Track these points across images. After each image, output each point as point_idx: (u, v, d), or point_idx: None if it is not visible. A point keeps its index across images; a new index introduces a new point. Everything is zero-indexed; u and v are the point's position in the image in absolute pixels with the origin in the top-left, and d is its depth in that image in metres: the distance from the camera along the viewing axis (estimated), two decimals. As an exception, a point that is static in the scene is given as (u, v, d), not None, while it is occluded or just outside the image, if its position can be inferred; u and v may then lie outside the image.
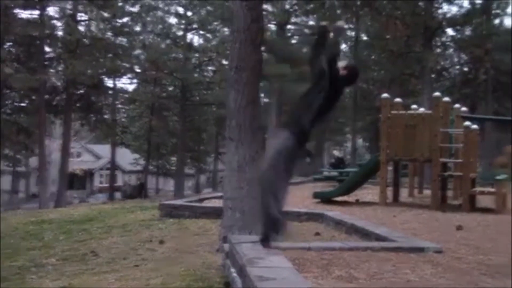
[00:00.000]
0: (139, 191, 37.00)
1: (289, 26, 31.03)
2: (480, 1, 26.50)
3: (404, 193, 12.81)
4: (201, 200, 12.22)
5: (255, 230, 6.25)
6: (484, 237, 6.70)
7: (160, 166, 40.75)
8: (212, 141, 41.10)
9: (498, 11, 29.26)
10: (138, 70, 35.22)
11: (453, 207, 10.78)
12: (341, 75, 4.57)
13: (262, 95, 32.28)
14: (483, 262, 5.01)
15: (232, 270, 4.72)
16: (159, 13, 33.77)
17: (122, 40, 33.16)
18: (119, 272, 6.13)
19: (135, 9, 31.83)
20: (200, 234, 7.99)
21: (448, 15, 26.17)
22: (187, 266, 5.81)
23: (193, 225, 8.87)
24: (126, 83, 41.03)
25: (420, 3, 24.89)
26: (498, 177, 10.62)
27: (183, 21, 34.26)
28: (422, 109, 13.26)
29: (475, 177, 11.45)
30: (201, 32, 35.41)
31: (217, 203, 10.09)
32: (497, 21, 29.77)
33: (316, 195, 12.33)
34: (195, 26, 34.63)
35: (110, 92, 35.45)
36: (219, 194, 11.42)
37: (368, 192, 13.55)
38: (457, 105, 13.30)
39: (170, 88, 36.77)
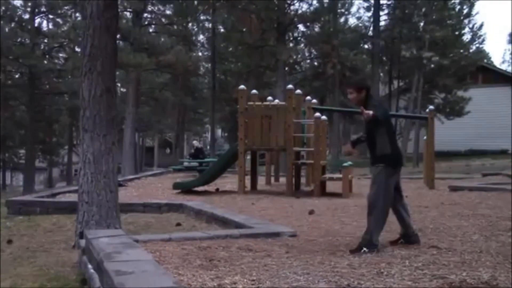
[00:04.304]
0: (-19, 188, 33.80)
1: (145, 14, 30.36)
2: (327, 0, 28.31)
3: (261, 181, 13.32)
4: (54, 195, 11.50)
5: (113, 223, 6.07)
6: (333, 220, 7.22)
7: (7, 160, 37.57)
8: (66, 132, 38.89)
9: (343, 10, 31.54)
10: (-22, 55, 31.96)
11: (306, 193, 11.45)
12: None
13: (119, 84, 31.32)
14: (332, 242, 5.41)
15: (89, 266, 4.53)
16: (1, -7, 30.96)
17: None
18: (-42, 278, 5.56)
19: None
20: (54, 231, 7.53)
21: (299, 12, 27.59)
22: (40, 265, 5.45)
23: (45, 222, 8.32)
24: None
25: (274, -1, 25.88)
26: (344, 164, 11.48)
27: (29, 4, 31.78)
28: (276, 101, 13.84)
29: (325, 164, 12.27)
30: (51, 16, 33.19)
31: (72, 197, 9.59)
32: (342, 19, 32.10)
33: (176, 186, 12.30)
34: (43, 9, 32.34)
35: None
36: (74, 188, 10.86)
37: (228, 181, 13.86)
38: (308, 97, 14.08)
39: (17, 76, 34.00)
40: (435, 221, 6.70)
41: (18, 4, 32.05)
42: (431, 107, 14.13)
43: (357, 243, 5.03)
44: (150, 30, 31.25)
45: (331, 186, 11.79)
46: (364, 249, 4.81)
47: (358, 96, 5.13)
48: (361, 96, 5.13)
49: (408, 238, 5.20)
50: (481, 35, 30.74)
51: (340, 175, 11.40)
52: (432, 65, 28.04)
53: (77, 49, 28.74)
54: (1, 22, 30.49)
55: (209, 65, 33.96)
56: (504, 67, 42.01)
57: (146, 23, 30.54)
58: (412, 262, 4.33)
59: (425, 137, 13.48)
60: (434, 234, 5.74)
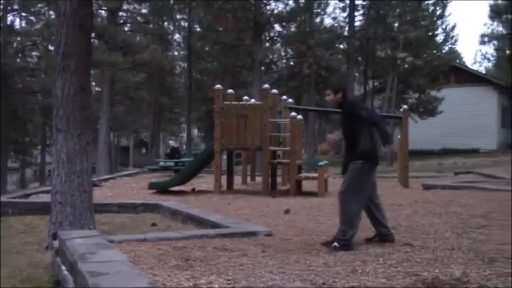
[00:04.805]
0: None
1: (121, 13, 30.06)
2: (303, 0, 28.44)
3: (238, 181, 13.32)
4: (27, 196, 11.32)
5: (87, 224, 6.01)
6: (308, 219, 7.27)
7: (-24, 161, 36.74)
8: (39, 132, 38.24)
9: (319, 10, 31.73)
10: None
11: (282, 192, 11.50)
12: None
13: (93, 83, 30.95)
14: (308, 241, 5.44)
15: (63, 267, 4.48)
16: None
17: None
18: None
19: None
20: (27, 232, 7.41)
21: (276, 12, 27.65)
22: (12, 267, 5.36)
23: (18, 223, 8.18)
24: None
25: (250, -2, 25.89)
26: (320, 163, 11.55)
27: (1, 1, 31.14)
28: (253, 100, 13.86)
29: (301, 163, 12.33)
30: (23, 14, 32.59)
31: (46, 198, 9.44)
32: (318, 19, 32.29)
33: (151, 186, 12.22)
34: (16, 7, 31.74)
35: None
36: (48, 188, 10.69)
37: (204, 181, 13.82)
38: (284, 97, 14.14)
39: (-12, 75, 33.26)
40: (408, 219, 6.80)
41: (-11, 2, 31.44)
42: (405, 106, 14.33)
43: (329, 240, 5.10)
44: (126, 29, 30.97)
45: (307, 185, 11.86)
46: (335, 244, 4.86)
47: (335, 98, 5.29)
48: (338, 98, 5.28)
49: (382, 237, 5.27)
50: (453, 36, 31.21)
51: (316, 174, 11.47)
52: (406, 65, 28.39)
53: (51, 48, 28.30)
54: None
55: (185, 64, 33.79)
56: (475, 67, 42.85)
57: (121, 21, 30.26)
58: (386, 259, 4.40)
59: (399, 136, 13.66)
60: (407, 232, 5.83)
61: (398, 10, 28.18)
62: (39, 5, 31.04)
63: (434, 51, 29.62)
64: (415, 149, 22.56)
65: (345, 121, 5.24)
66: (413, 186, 12.15)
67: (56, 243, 5.16)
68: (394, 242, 5.18)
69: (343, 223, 5.01)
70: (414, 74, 27.97)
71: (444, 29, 30.57)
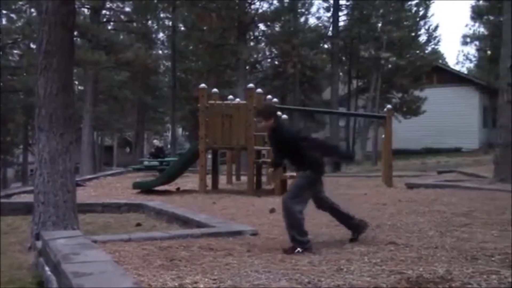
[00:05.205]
0: None
1: (104, 11, 29.80)
2: (287, 0, 28.48)
3: (223, 180, 13.29)
4: (9, 196, 11.18)
5: (71, 224, 5.94)
6: (293, 217, 7.25)
7: (-43, 160, 36.18)
8: (20, 131, 37.76)
9: (303, 10, 31.80)
10: None
11: (267, 192, 11.50)
12: None
13: (76, 82, 30.63)
14: (293, 240, 5.44)
15: (46, 268, 4.43)
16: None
17: None
18: None
19: None
20: (9, 233, 7.30)
21: (260, 11, 27.66)
22: (-7, 269, 5.28)
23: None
24: None
25: (235, -3, 25.86)
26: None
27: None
28: (237, 100, 13.84)
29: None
30: (4, 11, 32.12)
31: (28, 198, 9.33)
32: (302, 19, 32.36)
33: (135, 185, 12.14)
34: (-4, 5, 31.30)
35: None
36: (30, 188, 10.56)
37: (189, 181, 13.77)
38: (269, 96, 14.15)
39: (-32, 73, 32.78)
40: (392, 218, 6.84)
41: (-31, -1, 30.96)
42: (389, 106, 14.42)
43: (316, 241, 5.11)
44: (109, 27, 30.71)
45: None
46: (298, 249, 4.88)
47: (268, 124, 5.29)
48: (270, 123, 5.28)
49: (356, 228, 5.36)
50: (436, 36, 31.49)
51: (301, 174, 11.45)
52: (390, 65, 28.61)
53: (32, 46, 27.95)
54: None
55: (169, 63, 33.63)
56: (458, 67, 43.30)
57: (104, 20, 29.99)
58: (371, 258, 4.42)
59: (383, 136, 13.74)
60: (392, 231, 5.87)
61: (381, 11, 28.37)
62: (20, 3, 30.61)
63: (417, 51, 29.92)
64: (399, 148, 22.73)
65: (284, 146, 5.25)
66: (397, 185, 12.24)
67: (39, 244, 5.11)
68: (368, 227, 5.39)
69: (291, 227, 5.03)
70: (397, 74, 28.20)
71: (427, 30, 30.88)
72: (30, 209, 6.38)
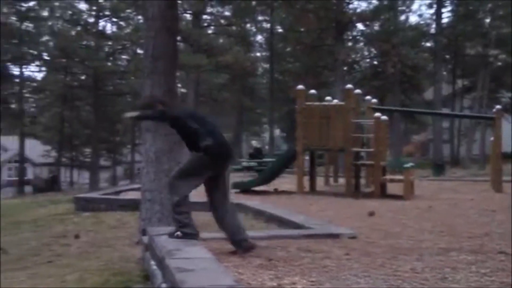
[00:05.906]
0: (51, 185, 35.31)
1: (204, 16, 30.83)
2: (387, -2, 27.77)
3: (320, 182, 13.20)
4: (118, 193, 11.90)
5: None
6: (393, 222, 7.05)
7: (73, 158, 39.12)
8: (128, 132, 40.08)
9: (404, 8, 30.81)
10: (47, 58, 33.55)
11: (365, 194, 11.26)
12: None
13: (179, 85, 31.96)
14: (393, 245, 5.27)
15: (152, 262, 4.64)
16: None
17: (29, 25, 31.45)
18: (30, 269, 5.84)
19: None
20: (118, 227, 7.78)
21: (358, 11, 27.19)
22: (104, 260, 5.64)
23: (110, 218, 8.62)
24: (35, 71, 38.93)
25: (332, -2, 25.64)
26: (405, 165, 11.20)
27: (94, 7, 32.98)
28: (335, 101, 13.69)
29: (385, 165, 12.02)
30: (114, 19, 34.32)
31: (135, 195, 9.87)
32: (403, 17, 31.37)
33: (235, 185, 12.39)
34: (107, 13, 33.48)
35: (16, 80, 33.54)
36: (137, 186, 11.17)
37: (286, 182, 13.82)
38: (367, 97, 13.84)
39: (82, 77, 35.38)
40: (502, 226, 6.41)
41: (84, 8, 33.40)
42: (498, 106, 13.55)
43: (418, 247, 4.91)
44: (209, 31, 31.71)
45: (391, 188, 11.54)
46: (178, 233, 4.59)
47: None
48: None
49: (238, 245, 4.70)
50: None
51: (401, 177, 11.12)
52: (499, 63, 26.93)
53: (139, 51, 29.55)
54: (69, 25, 31.84)
55: (267, 65, 34.04)
56: None
57: (205, 24, 31.01)
58: (479, 268, 4.17)
59: (492, 138, 12.95)
60: (502, 239, 5.49)
61: (489, 5, 26.77)
62: (128, 10, 32.54)
63: (530, 47, 27.85)
64: (509, 151, 21.28)
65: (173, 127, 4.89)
66: (507, 190, 11.46)
67: (145, 239, 5.37)
68: (249, 251, 4.59)
69: (174, 208, 4.68)
70: (507, 72, 26.48)
71: (542, 24, 28.63)
72: (137, 206, 6.75)
